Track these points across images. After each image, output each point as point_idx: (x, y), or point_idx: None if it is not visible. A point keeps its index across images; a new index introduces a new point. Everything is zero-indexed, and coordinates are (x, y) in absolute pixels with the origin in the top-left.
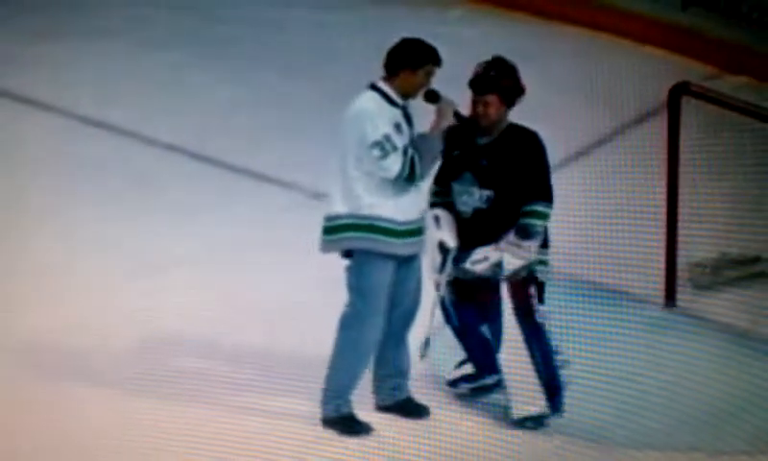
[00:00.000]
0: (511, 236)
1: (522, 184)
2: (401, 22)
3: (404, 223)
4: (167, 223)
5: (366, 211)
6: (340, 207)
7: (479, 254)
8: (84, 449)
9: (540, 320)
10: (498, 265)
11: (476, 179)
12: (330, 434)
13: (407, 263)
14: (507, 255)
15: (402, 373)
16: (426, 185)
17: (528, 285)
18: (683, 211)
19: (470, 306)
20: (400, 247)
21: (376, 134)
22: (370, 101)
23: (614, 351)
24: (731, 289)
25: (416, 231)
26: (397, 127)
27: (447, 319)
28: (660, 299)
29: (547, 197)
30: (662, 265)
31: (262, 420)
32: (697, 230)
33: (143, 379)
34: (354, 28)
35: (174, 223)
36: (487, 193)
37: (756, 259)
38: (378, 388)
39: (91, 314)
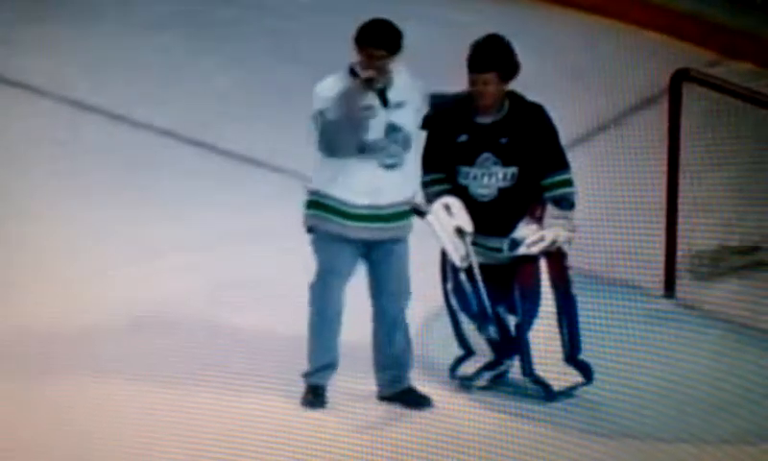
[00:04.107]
0: (554, 210)
1: (543, 156)
2: (402, 7)
3: (362, 206)
4: (163, 208)
5: (324, 189)
6: (311, 184)
7: (532, 237)
8: (82, 436)
9: (574, 292)
10: (554, 241)
11: (499, 157)
12: (329, 425)
13: (379, 248)
14: (559, 230)
15: (400, 362)
16: (404, 173)
17: (563, 257)
18: (683, 199)
19: (490, 289)
20: (353, 230)
21: (313, 109)
22: (328, 79)
23: (613, 341)
24: (730, 279)
25: (379, 217)
26: (367, 108)
27: (465, 306)
28: (660, 288)
29: (568, 164)
30: (662, 254)
31: (257, 406)
32: (697, 219)
33: (141, 366)
34: (353, 12)
35: (170, 208)
36: (512, 170)
37: (756, 249)
38: (378, 377)
39: (89, 301)
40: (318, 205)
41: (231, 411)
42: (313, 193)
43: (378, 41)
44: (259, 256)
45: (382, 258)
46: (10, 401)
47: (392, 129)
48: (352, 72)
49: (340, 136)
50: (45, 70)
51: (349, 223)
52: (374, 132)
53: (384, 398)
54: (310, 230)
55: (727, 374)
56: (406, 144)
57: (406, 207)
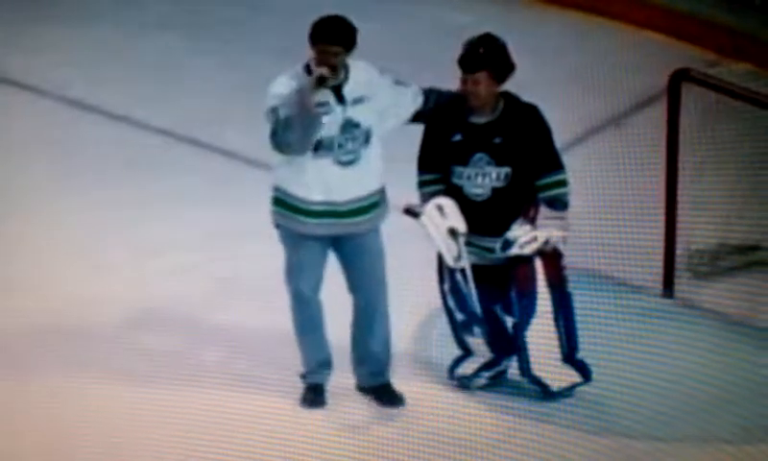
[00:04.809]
0: (547, 211)
1: (537, 156)
2: (400, 7)
3: (318, 203)
4: (163, 208)
5: (284, 186)
6: (274, 181)
7: (524, 237)
8: (79, 435)
9: (570, 291)
10: (546, 242)
11: (493, 157)
12: (327, 425)
13: (348, 243)
14: (552, 230)
15: (376, 357)
16: (363, 169)
17: (559, 257)
18: (682, 199)
19: (485, 289)
20: (313, 227)
21: (265, 108)
22: (282, 76)
23: (611, 340)
24: (729, 278)
25: (338, 214)
26: (321, 105)
27: (462, 307)
28: (659, 287)
29: (562, 164)
30: (661, 253)
31: (256, 406)
32: (696, 218)
33: (139, 366)
34: (354, 12)
35: (170, 208)
36: (505, 170)
37: (755, 248)
38: (354, 369)
39: (87, 300)
40: (280, 202)
41: (230, 411)
42: (276, 190)
43: (331, 38)
44: (259, 256)
45: (352, 253)
46: (6, 400)
47: (348, 125)
48: (308, 70)
49: (292, 134)
50: (45, 70)
51: (309, 220)
52: (329, 129)
53: (361, 390)
54: (277, 226)
55: (725, 372)
56: (366, 140)
57: (370, 201)
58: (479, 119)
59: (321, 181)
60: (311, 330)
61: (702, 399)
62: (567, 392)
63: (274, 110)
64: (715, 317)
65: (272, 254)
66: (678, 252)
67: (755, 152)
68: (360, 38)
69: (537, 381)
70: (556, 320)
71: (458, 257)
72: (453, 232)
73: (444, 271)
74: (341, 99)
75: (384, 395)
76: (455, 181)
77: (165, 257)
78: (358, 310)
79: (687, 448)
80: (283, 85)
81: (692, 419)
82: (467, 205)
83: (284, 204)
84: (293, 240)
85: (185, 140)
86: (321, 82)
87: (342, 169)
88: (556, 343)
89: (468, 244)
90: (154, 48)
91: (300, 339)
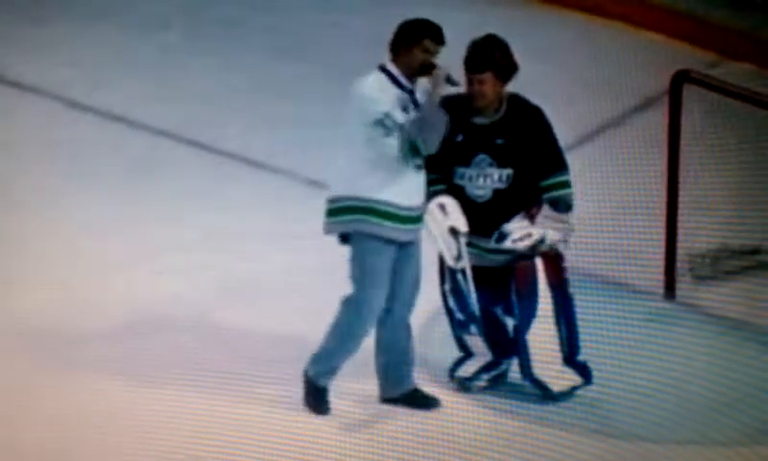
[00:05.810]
0: (548, 211)
1: (540, 158)
2: (400, 7)
3: (406, 208)
4: (162, 208)
5: (366, 194)
6: (342, 189)
7: (519, 232)
8: (79, 436)
9: (571, 292)
10: (541, 240)
11: (494, 159)
12: (327, 426)
13: (404, 250)
14: (549, 230)
15: (405, 362)
16: (424, 174)
17: (561, 258)
18: (683, 201)
19: (485, 290)
20: (402, 233)
21: (377, 113)
22: (373, 81)
23: (613, 342)
24: (731, 280)
25: (417, 218)
26: (404, 109)
27: (463, 307)
28: (660, 289)
29: (566, 165)
30: (662, 255)
31: (257, 407)
32: (697, 220)
33: (138, 367)
34: (354, 11)
35: (169, 208)
36: (507, 172)
37: (757, 250)
38: (382, 378)
39: (87, 301)
40: (361, 209)
41: (230, 412)
42: (349, 198)
43: (438, 35)
44: (258, 257)
45: (404, 261)
46: (6, 400)
47: None
48: (385, 71)
49: (430, 134)
50: (45, 70)
51: (399, 225)
52: None
53: (389, 400)
54: (344, 237)
55: (726, 374)
56: None
57: (424, 208)
58: (482, 120)
59: (405, 188)
60: (357, 340)
61: (703, 401)
62: (568, 394)
63: (387, 115)
64: (716, 320)
65: (272, 254)
66: (679, 254)
67: (756, 153)
68: (365, 39)
69: (537, 383)
70: (557, 322)
71: (458, 257)
72: (454, 232)
73: (445, 271)
74: (416, 103)
75: (417, 399)
76: (457, 181)
77: (165, 258)
78: (391, 318)
79: (688, 450)
80: (382, 90)
81: (693, 421)
82: (468, 205)
83: (370, 210)
84: (375, 248)
85: (185, 141)
86: (449, 80)
87: (416, 175)
88: (557, 345)
89: (468, 245)
90: (154, 48)
91: (340, 344)
